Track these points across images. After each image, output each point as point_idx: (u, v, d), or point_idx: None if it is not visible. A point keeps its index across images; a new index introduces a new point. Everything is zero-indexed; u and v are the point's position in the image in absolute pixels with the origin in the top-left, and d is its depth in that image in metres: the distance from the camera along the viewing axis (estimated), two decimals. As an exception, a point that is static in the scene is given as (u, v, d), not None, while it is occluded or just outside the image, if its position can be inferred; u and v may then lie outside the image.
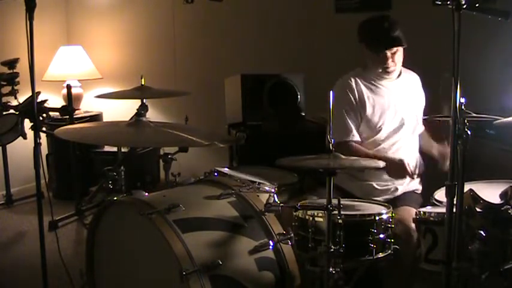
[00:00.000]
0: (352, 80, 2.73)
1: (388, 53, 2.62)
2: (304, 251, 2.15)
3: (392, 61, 2.65)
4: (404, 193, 2.72)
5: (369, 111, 2.69)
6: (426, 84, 2.87)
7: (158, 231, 1.87)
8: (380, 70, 2.68)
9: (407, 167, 2.55)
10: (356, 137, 2.69)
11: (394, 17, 2.64)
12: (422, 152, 2.83)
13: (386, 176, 2.67)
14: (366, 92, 2.71)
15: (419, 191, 2.80)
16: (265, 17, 4.43)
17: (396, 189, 2.70)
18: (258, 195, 2.25)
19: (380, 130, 2.69)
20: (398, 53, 2.64)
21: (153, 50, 4.94)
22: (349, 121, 2.69)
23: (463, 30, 1.72)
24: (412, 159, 2.76)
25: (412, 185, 2.76)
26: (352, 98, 2.69)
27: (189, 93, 3.45)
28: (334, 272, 1.95)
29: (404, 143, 2.73)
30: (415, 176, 2.63)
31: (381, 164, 2.56)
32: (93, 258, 2.27)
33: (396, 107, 2.72)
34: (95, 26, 5.17)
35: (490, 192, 2.08)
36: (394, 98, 2.72)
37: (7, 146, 4.12)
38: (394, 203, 2.55)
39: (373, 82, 2.73)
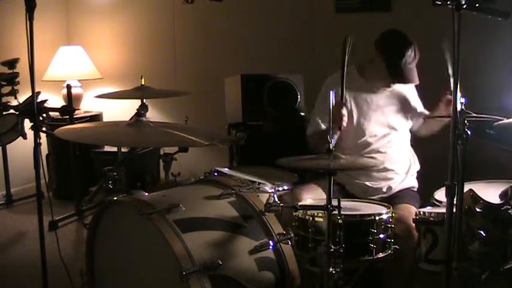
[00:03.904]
0: (339, 82, 2.72)
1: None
2: (304, 251, 2.16)
3: (388, 86, 2.68)
4: (401, 191, 2.73)
5: (351, 114, 2.69)
6: (426, 84, 2.86)
7: (158, 231, 1.87)
8: (379, 81, 2.68)
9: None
10: (322, 127, 2.70)
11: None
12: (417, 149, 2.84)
13: (376, 175, 2.68)
14: (352, 94, 2.71)
15: (415, 188, 2.80)
16: (265, 17, 4.43)
17: (390, 187, 2.71)
18: (258, 195, 2.25)
19: (365, 133, 2.70)
20: None
21: (153, 50, 4.94)
22: (319, 118, 2.71)
23: (463, 31, 1.72)
24: (403, 159, 2.77)
25: (407, 182, 2.76)
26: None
27: (189, 93, 3.45)
28: (334, 272, 1.95)
29: (393, 144, 2.73)
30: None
31: (380, 164, 2.58)
32: (93, 258, 2.27)
33: (383, 109, 2.72)
34: (95, 26, 5.17)
35: (490, 192, 2.08)
36: (382, 101, 2.72)
37: (7, 146, 4.12)
38: (392, 201, 2.56)
39: (362, 85, 2.73)
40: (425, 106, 2.84)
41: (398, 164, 2.73)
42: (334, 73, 2.80)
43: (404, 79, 2.61)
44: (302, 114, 3.63)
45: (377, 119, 2.71)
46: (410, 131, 2.85)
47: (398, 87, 2.76)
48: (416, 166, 2.84)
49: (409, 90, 2.83)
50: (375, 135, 2.70)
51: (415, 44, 2.58)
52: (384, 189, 2.70)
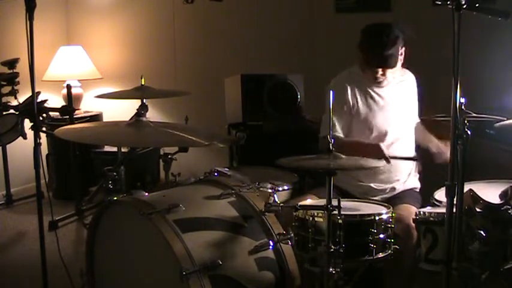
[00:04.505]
0: (346, 80, 2.74)
1: (378, 70, 2.63)
2: (304, 251, 2.16)
3: (383, 75, 2.65)
4: (403, 191, 2.73)
5: (360, 112, 2.70)
6: (426, 84, 2.87)
7: (158, 231, 1.87)
8: (370, 78, 2.69)
9: (383, 150, 2.54)
10: (339, 133, 2.68)
11: (397, 28, 2.60)
12: (419, 149, 2.84)
13: (381, 176, 2.68)
14: (358, 93, 2.71)
15: (417, 189, 2.80)
16: (265, 17, 4.43)
17: (393, 188, 2.71)
18: (258, 195, 2.25)
19: (371, 131, 2.70)
20: (390, 69, 2.65)
21: (153, 50, 4.94)
22: (334, 118, 2.67)
23: (463, 30, 1.72)
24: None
25: (409, 183, 2.76)
26: (343, 99, 2.69)
27: (189, 93, 3.45)
28: (334, 272, 1.95)
29: (398, 144, 2.73)
30: (390, 160, 2.56)
31: (381, 163, 2.58)
32: (93, 258, 2.27)
33: (388, 108, 2.72)
34: (95, 26, 5.17)
35: (490, 192, 2.07)
36: (387, 99, 2.72)
37: (7, 146, 4.12)
38: (393, 201, 2.56)
39: (366, 83, 2.73)
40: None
41: (403, 164, 2.73)
42: (336, 75, 2.81)
43: (379, 63, 2.60)
44: (302, 114, 3.63)
45: (384, 117, 2.71)
46: None
47: (399, 84, 2.76)
48: (419, 166, 2.84)
49: (409, 86, 2.82)
50: (381, 133, 2.70)
51: (397, 30, 2.57)
52: (387, 190, 2.71)
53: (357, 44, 2.66)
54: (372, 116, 2.70)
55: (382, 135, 2.71)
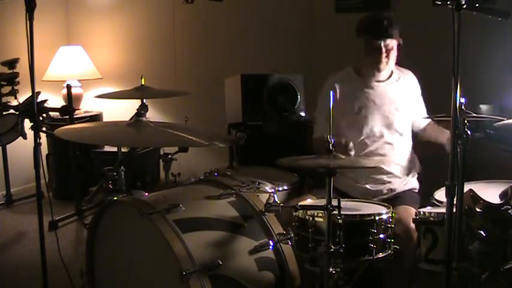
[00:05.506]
0: (338, 81, 2.75)
1: (382, 46, 2.61)
2: (304, 251, 2.16)
3: (386, 57, 2.64)
4: (403, 192, 2.72)
5: (353, 113, 2.70)
6: (426, 84, 2.87)
7: (158, 231, 1.87)
8: (371, 65, 2.68)
9: (347, 146, 2.53)
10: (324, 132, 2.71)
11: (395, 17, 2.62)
12: (418, 151, 2.84)
13: (374, 177, 2.68)
14: (351, 93, 2.71)
15: (416, 190, 2.80)
16: (265, 17, 4.43)
17: (391, 189, 2.71)
18: (258, 195, 2.25)
19: (363, 131, 2.70)
20: (392, 51, 2.64)
21: (153, 50, 4.94)
22: (324, 121, 2.70)
23: (463, 30, 1.72)
24: (403, 159, 2.76)
25: (409, 184, 2.76)
26: (336, 99, 2.69)
27: (189, 93, 3.45)
28: (334, 272, 1.95)
29: (393, 144, 2.73)
30: (352, 153, 2.55)
31: (381, 164, 2.58)
32: (93, 258, 2.27)
33: (382, 108, 2.72)
34: (95, 26, 5.17)
35: (490, 192, 2.07)
36: (382, 99, 2.72)
37: (7, 146, 4.13)
38: (393, 202, 2.55)
39: (360, 83, 2.73)
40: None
41: (399, 165, 2.73)
42: (335, 73, 2.81)
43: (384, 33, 2.60)
44: (302, 114, 3.63)
45: (375, 118, 2.71)
46: (414, 131, 2.84)
47: (396, 83, 2.75)
48: (417, 167, 2.83)
49: (408, 85, 2.82)
50: (373, 135, 2.70)
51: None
52: (385, 191, 2.70)
53: (357, 31, 2.67)
54: (362, 118, 2.70)
55: (375, 136, 2.71)
